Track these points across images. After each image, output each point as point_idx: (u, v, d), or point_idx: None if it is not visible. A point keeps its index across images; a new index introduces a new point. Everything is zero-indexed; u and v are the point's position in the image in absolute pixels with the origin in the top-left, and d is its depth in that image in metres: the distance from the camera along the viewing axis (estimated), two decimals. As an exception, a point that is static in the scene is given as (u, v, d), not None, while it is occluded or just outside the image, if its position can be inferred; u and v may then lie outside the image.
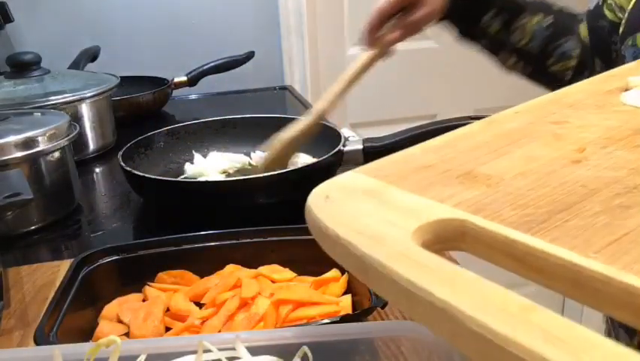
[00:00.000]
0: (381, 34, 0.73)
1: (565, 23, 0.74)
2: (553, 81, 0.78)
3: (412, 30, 0.73)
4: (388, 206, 0.26)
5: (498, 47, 0.79)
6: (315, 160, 0.85)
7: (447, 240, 0.26)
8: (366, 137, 0.86)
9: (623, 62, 0.68)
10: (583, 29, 0.74)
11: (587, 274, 0.22)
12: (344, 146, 0.84)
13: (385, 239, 0.23)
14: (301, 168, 0.79)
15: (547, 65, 0.77)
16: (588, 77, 0.71)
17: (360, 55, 0.74)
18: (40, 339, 0.46)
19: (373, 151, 0.84)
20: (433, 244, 0.25)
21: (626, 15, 0.64)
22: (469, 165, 0.30)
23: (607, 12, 0.71)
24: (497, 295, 0.23)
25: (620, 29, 0.66)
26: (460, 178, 0.28)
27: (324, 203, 0.28)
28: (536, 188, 0.27)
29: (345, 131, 0.90)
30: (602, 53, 0.72)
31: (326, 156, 0.81)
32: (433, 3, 0.72)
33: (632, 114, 0.35)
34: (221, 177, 0.90)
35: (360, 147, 0.84)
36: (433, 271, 0.22)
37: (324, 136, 0.91)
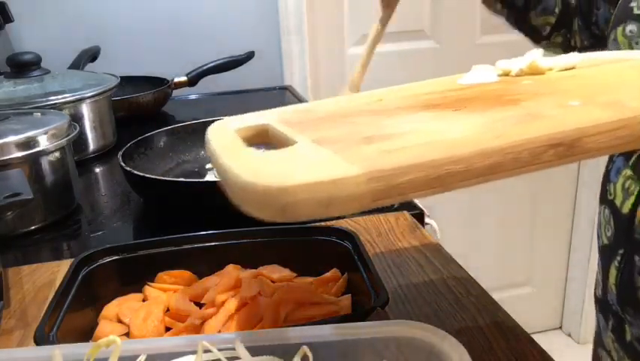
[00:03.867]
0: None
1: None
2: (533, 33, 0.80)
3: None
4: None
5: (519, 16, 0.79)
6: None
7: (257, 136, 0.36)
8: (366, 137, 0.86)
9: (599, 30, 0.70)
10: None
11: None
12: (344, 146, 0.84)
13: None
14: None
15: (529, 17, 0.78)
16: (565, 35, 0.74)
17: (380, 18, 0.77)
18: (40, 339, 0.46)
19: (373, 151, 0.84)
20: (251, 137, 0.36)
21: (617, 7, 0.64)
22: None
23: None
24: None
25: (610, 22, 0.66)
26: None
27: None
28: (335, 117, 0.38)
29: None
30: (583, 15, 0.73)
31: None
32: None
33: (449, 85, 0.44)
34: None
35: (360, 147, 0.84)
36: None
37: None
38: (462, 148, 0.29)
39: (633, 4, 0.58)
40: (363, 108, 0.38)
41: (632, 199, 0.57)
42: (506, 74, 0.43)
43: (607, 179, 0.63)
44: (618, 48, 0.60)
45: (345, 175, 0.27)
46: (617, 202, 0.59)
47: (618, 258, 0.60)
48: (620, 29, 0.60)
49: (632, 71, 0.42)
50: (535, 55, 0.45)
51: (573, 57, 0.44)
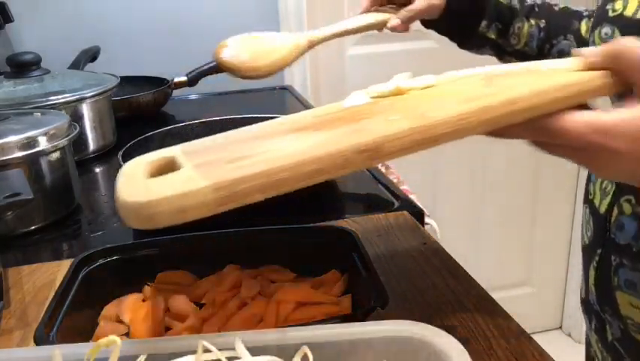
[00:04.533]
0: (380, 8, 0.79)
1: (559, 23, 0.77)
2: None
3: (409, 20, 0.77)
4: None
5: (498, 51, 0.82)
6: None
7: (167, 166, 0.40)
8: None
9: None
10: (585, 26, 0.76)
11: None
12: (344, 146, 0.84)
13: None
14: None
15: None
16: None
17: (357, 17, 0.80)
18: (40, 339, 0.46)
19: (373, 151, 0.84)
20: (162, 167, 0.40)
21: (596, 10, 0.65)
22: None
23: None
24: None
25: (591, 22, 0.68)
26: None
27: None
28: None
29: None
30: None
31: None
32: (431, 2, 0.76)
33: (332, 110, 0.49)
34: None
35: (360, 147, 0.84)
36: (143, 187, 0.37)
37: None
38: (289, 159, 0.37)
39: (609, 6, 0.58)
40: (249, 136, 0.46)
41: (608, 199, 0.57)
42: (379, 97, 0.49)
43: (589, 179, 0.64)
44: None
45: (195, 188, 0.35)
46: (596, 202, 0.60)
47: (597, 258, 0.60)
48: (597, 32, 0.61)
49: (469, 84, 0.47)
50: (399, 78, 0.51)
51: (429, 78, 0.50)
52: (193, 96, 1.52)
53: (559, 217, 2.07)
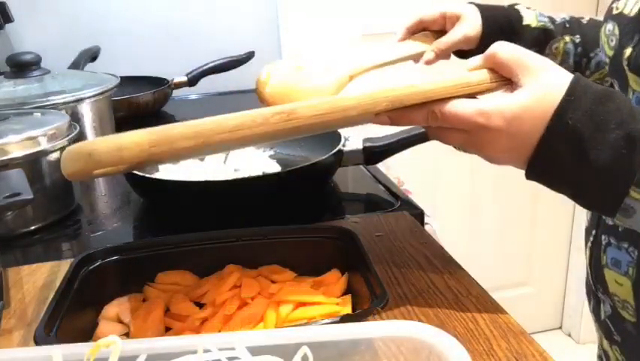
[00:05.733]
0: (414, 37, 0.79)
1: (593, 36, 0.77)
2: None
3: (447, 50, 0.78)
4: None
5: None
6: (315, 160, 0.85)
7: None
8: (366, 137, 0.86)
9: None
10: None
11: None
12: (344, 146, 0.84)
13: None
14: (301, 167, 0.79)
15: (585, 76, 0.78)
16: None
17: (394, 46, 0.79)
18: (40, 339, 0.46)
19: (373, 151, 0.84)
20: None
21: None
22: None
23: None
24: None
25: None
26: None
27: None
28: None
29: (345, 131, 0.90)
30: None
31: (326, 155, 0.81)
32: (467, 33, 0.76)
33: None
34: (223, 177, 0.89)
35: (360, 147, 0.84)
36: None
37: (324, 136, 0.91)
38: (213, 119, 0.47)
39: (614, 4, 0.60)
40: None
41: None
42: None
43: None
44: (602, 47, 0.64)
45: (135, 133, 0.43)
46: None
47: (591, 238, 0.64)
48: (603, 28, 0.62)
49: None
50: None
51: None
52: (193, 96, 1.52)
53: (559, 217, 2.07)
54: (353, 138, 0.88)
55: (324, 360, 0.37)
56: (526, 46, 0.76)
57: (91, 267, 0.57)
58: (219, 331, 0.52)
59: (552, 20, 0.79)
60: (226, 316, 0.53)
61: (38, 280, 0.65)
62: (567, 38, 0.78)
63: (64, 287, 0.53)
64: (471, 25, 0.77)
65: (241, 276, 0.57)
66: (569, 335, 2.18)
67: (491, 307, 0.57)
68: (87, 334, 0.53)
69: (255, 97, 1.26)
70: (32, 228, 0.78)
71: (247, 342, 0.37)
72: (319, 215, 0.76)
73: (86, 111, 1.06)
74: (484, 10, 0.79)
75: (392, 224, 0.74)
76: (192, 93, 1.51)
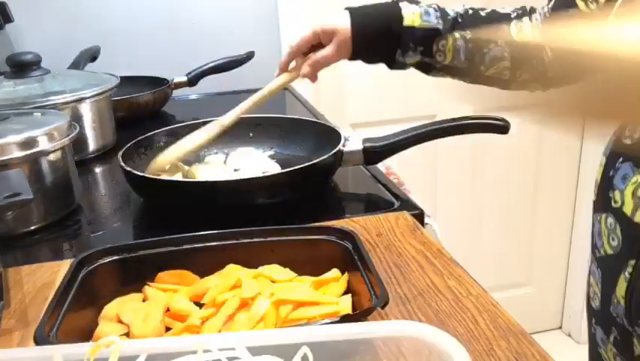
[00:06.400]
0: (293, 66, 0.85)
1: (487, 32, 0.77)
2: (496, 83, 0.80)
3: (318, 66, 0.83)
4: None
5: (425, 69, 0.82)
6: (315, 160, 0.85)
7: None
8: (366, 137, 0.86)
9: None
10: (515, 28, 0.77)
11: None
12: (344, 146, 0.84)
13: None
14: (301, 168, 0.79)
15: (480, 71, 0.78)
16: (528, 72, 0.76)
17: (274, 79, 0.87)
18: (40, 339, 0.46)
19: (373, 151, 0.84)
20: None
21: None
22: None
23: (579, 2, 0.69)
24: None
25: None
26: None
27: None
28: None
29: (345, 132, 0.90)
30: None
31: (326, 156, 0.81)
32: (340, 46, 0.80)
33: None
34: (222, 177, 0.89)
35: (360, 147, 0.84)
36: None
37: (324, 136, 0.91)
38: None
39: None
40: None
41: None
42: None
43: (609, 185, 0.60)
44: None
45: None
46: (627, 210, 0.56)
47: (629, 269, 0.56)
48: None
49: None
50: None
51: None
52: (193, 96, 1.52)
53: (559, 217, 2.07)
54: (353, 138, 0.88)
55: (324, 360, 0.37)
56: (407, 47, 0.77)
57: (91, 267, 0.57)
58: (219, 331, 0.52)
59: (442, 15, 0.77)
60: (226, 316, 0.53)
61: (38, 280, 0.65)
62: (457, 35, 0.76)
63: (64, 287, 0.53)
64: (342, 40, 0.79)
65: (241, 276, 0.57)
66: (569, 335, 2.18)
67: (491, 307, 0.57)
68: (87, 334, 0.53)
69: (252, 95, 1.28)
70: (32, 228, 0.78)
71: (247, 342, 0.37)
72: (319, 215, 0.75)
73: (86, 111, 1.06)
74: (357, 17, 0.79)
75: (392, 224, 0.74)
76: (192, 93, 1.51)
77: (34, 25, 1.43)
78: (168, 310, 0.56)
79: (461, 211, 1.97)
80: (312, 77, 0.84)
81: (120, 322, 0.54)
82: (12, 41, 1.39)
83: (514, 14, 0.78)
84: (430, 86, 1.81)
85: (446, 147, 1.81)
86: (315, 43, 0.83)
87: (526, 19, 0.78)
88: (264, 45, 1.54)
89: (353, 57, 0.82)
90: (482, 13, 0.78)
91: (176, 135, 0.97)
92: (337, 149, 0.82)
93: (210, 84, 1.46)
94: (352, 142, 0.85)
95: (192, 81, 1.41)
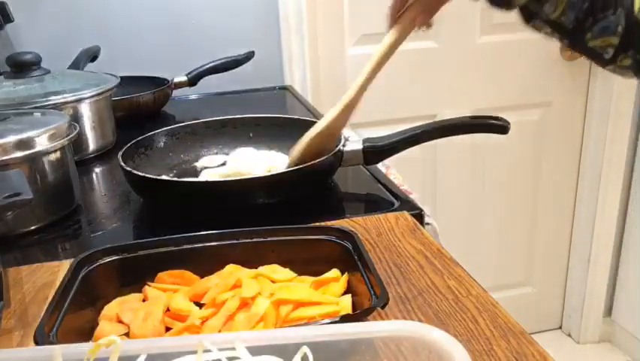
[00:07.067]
0: (403, 13, 0.74)
1: None
2: (592, 57, 0.70)
3: (434, 10, 0.74)
4: None
5: (529, 15, 0.70)
6: (315, 160, 0.85)
7: None
8: (366, 137, 0.86)
9: None
10: (638, 1, 0.64)
11: None
12: (344, 146, 0.84)
13: None
14: (301, 168, 0.79)
15: (585, 39, 0.68)
16: (635, 57, 0.66)
17: (386, 36, 0.76)
18: (40, 339, 0.46)
19: (373, 151, 0.84)
20: None
21: None
22: None
23: None
24: None
25: None
26: None
27: None
28: None
29: (345, 132, 0.90)
30: None
31: (326, 156, 0.81)
32: None
33: None
34: (220, 177, 0.89)
35: (360, 147, 0.84)
36: None
37: (324, 136, 0.91)
38: None
39: None
40: None
41: None
42: None
43: None
44: None
45: None
46: None
47: None
48: None
49: None
50: None
51: None
52: (193, 96, 1.53)
53: (559, 217, 2.07)
54: (353, 138, 0.88)
55: (324, 360, 0.37)
56: None
57: (91, 267, 0.57)
58: (219, 331, 0.52)
59: None
60: (226, 316, 0.53)
61: (38, 280, 0.65)
62: None
63: (64, 287, 0.53)
64: None
65: (241, 276, 0.57)
66: (569, 335, 2.18)
67: (491, 307, 0.57)
68: (87, 334, 0.53)
69: (255, 97, 1.30)
70: (32, 228, 0.78)
71: (247, 342, 0.37)
72: (319, 215, 0.75)
73: (86, 111, 1.06)
74: None
75: (392, 224, 0.74)
76: (192, 93, 1.51)
77: (34, 25, 1.43)
78: (168, 310, 0.56)
79: (461, 211, 1.97)
80: (428, 25, 0.75)
81: (120, 322, 0.54)
82: (12, 41, 1.39)
83: None
84: (430, 86, 1.82)
85: (446, 147, 1.81)
86: None
87: None
88: (264, 45, 1.54)
89: None
90: None
91: (176, 135, 0.97)
92: (337, 149, 0.82)
93: (210, 84, 1.46)
94: (352, 142, 0.85)
95: (192, 81, 1.41)
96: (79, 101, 1.04)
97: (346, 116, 0.79)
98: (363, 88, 0.76)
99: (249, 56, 1.42)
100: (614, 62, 0.68)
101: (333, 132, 0.81)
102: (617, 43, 0.66)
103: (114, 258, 0.59)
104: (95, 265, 0.57)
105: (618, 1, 0.65)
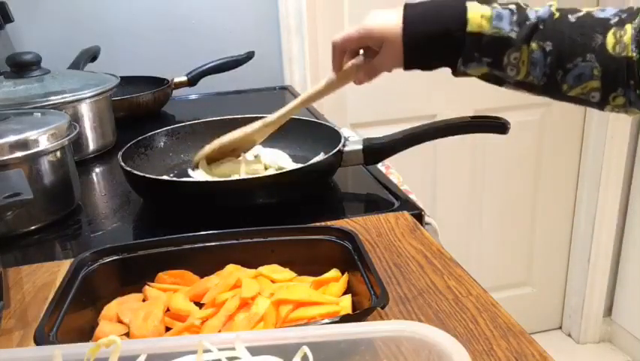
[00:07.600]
0: (346, 66, 0.77)
1: (575, 41, 0.63)
2: (581, 104, 0.68)
3: (373, 74, 0.77)
4: None
5: (497, 81, 0.70)
6: (315, 160, 0.85)
7: None
8: (366, 137, 0.86)
9: None
10: (612, 38, 0.62)
11: None
12: (344, 146, 0.84)
13: None
14: (301, 168, 0.79)
15: (562, 91, 0.67)
16: (625, 96, 0.63)
17: (324, 79, 0.80)
18: (40, 339, 0.46)
19: (373, 151, 0.84)
20: None
21: None
22: None
23: None
24: None
25: None
26: None
27: None
28: None
29: (345, 132, 0.90)
30: None
31: (326, 156, 0.81)
32: (392, 55, 0.71)
33: None
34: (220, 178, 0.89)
35: (360, 147, 0.84)
36: None
37: (324, 136, 0.91)
38: None
39: None
40: None
41: None
42: None
43: None
44: None
45: None
46: None
47: None
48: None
49: None
50: None
51: None
52: (193, 96, 1.53)
53: (559, 217, 2.07)
54: (353, 138, 0.88)
55: (324, 360, 0.37)
56: (470, 57, 0.65)
57: (91, 267, 0.57)
58: (219, 331, 0.52)
59: (520, 20, 0.64)
60: (226, 316, 0.53)
61: (38, 280, 0.65)
62: (534, 45, 0.64)
63: (64, 287, 0.53)
64: (393, 49, 0.70)
65: (241, 276, 0.57)
66: (569, 335, 2.18)
67: (491, 307, 0.57)
68: (87, 334, 0.53)
69: (255, 96, 1.32)
70: (32, 228, 0.78)
71: (247, 342, 0.37)
72: (319, 215, 0.75)
73: (86, 111, 1.06)
74: (410, 24, 0.68)
75: (392, 224, 0.74)
76: (192, 93, 1.51)
77: (34, 25, 1.43)
78: (168, 310, 0.56)
79: (461, 211, 1.97)
80: (366, 82, 0.78)
81: (120, 322, 0.54)
82: (12, 41, 1.39)
83: (615, 19, 0.63)
84: (430, 86, 1.82)
85: (446, 147, 1.81)
86: (363, 46, 0.75)
87: (629, 26, 0.62)
88: (264, 45, 1.54)
89: (407, 67, 0.72)
90: (572, 18, 0.64)
91: (176, 135, 0.97)
92: (337, 149, 0.82)
93: (210, 84, 1.46)
94: (352, 142, 0.85)
95: (192, 81, 1.41)
96: (79, 101, 1.04)
97: (266, 133, 0.87)
98: (284, 117, 0.85)
99: (248, 56, 1.42)
100: (608, 103, 0.66)
101: (251, 140, 0.88)
102: (600, 85, 0.64)
103: (114, 258, 0.59)
104: (95, 265, 0.57)
105: (585, 47, 0.63)
